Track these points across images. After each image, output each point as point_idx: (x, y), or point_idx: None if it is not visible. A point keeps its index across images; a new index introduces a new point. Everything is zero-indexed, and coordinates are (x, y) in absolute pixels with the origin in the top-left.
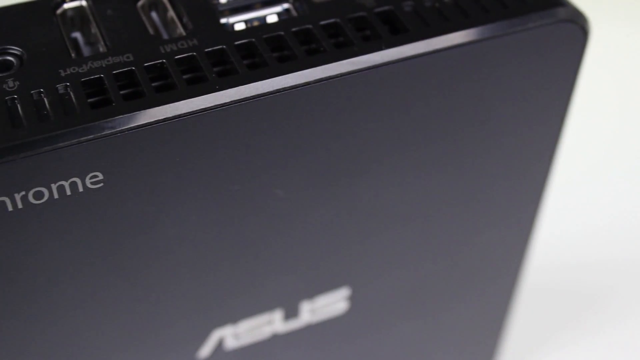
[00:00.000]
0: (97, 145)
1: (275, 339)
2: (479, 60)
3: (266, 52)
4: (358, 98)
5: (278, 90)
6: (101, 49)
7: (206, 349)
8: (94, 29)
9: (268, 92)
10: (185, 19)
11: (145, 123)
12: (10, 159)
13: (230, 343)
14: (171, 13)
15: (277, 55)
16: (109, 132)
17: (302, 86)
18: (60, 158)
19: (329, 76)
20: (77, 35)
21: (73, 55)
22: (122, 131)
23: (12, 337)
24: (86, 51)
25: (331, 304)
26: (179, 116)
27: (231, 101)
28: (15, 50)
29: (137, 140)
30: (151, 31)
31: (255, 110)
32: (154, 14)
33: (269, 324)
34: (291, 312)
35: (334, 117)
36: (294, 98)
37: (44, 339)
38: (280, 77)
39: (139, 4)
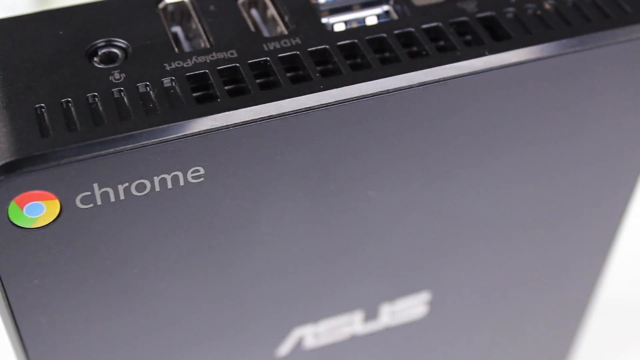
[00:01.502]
0: (202, 140)
1: (353, 341)
2: (579, 69)
3: (369, 53)
4: (457, 103)
5: (381, 92)
6: (202, 45)
7: (285, 347)
8: (195, 24)
9: (371, 93)
10: (287, 18)
11: (250, 120)
12: (116, 150)
13: (310, 342)
14: (272, 11)
15: (378, 57)
16: (214, 127)
17: (405, 89)
18: (165, 151)
19: (432, 80)
20: (177, 29)
21: (176, 49)
22: (227, 127)
23: (103, 322)
24: (186, 46)
25: (411, 307)
26: (283, 114)
27: (335, 101)
28: (121, 42)
29: (240, 137)
30: (252, 28)
31: (357, 111)
32: (254, 11)
33: (349, 324)
34: (371, 314)
35: (432, 120)
36: (395, 100)
37: (131, 326)
38: (383, 79)
39: (240, 1)
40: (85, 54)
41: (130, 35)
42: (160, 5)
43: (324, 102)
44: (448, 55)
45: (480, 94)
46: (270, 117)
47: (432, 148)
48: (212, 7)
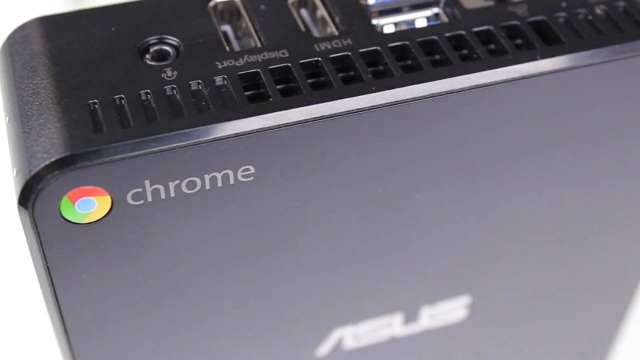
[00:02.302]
0: (254, 139)
1: (392, 342)
2: (630, 75)
3: (420, 55)
4: (507, 106)
5: (433, 95)
6: (253, 44)
7: (325, 347)
8: (245, 23)
9: (423, 96)
10: (337, 19)
11: (302, 120)
12: (169, 148)
13: (349, 343)
14: (322, 11)
15: (429, 60)
16: (267, 126)
17: (457, 92)
18: (217, 150)
19: (483, 84)
20: (226, 28)
21: (227, 48)
22: (278, 126)
23: (147, 319)
24: (235, 45)
25: (451, 310)
26: (335, 115)
27: (386, 103)
28: (172, 40)
29: (291, 136)
30: (302, 28)
31: (407, 113)
32: (303, 11)
33: (389, 326)
34: (411, 316)
35: (481, 124)
36: (446, 103)
37: (174, 323)
38: (435, 81)
39: (290, 0)
40: (137, 51)
41: (182, 33)
42: (211, 4)
43: (375, 104)
44: (500, 59)
45: (530, 98)
46: (322, 118)
47: (480, 151)
48: (262, 7)
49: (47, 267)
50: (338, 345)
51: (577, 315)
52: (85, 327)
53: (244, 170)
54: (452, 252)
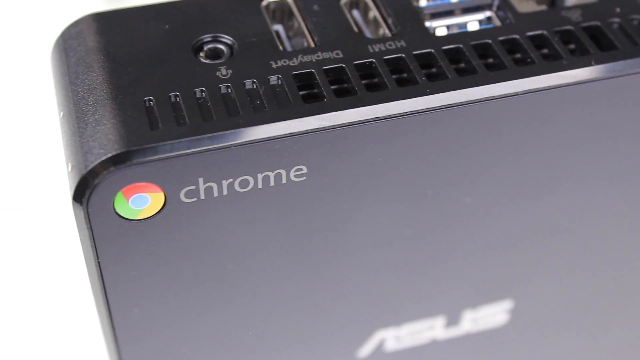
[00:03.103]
0: (308, 139)
1: (432, 345)
2: None
3: (474, 59)
4: (559, 111)
5: (487, 98)
6: (305, 44)
7: (366, 349)
8: (297, 23)
9: (477, 99)
10: (390, 20)
11: (357, 121)
12: (224, 146)
13: (390, 345)
14: (374, 12)
15: (483, 63)
16: (321, 127)
17: (510, 96)
18: (272, 149)
19: (537, 88)
20: (278, 27)
21: (281, 48)
22: (333, 127)
23: (192, 317)
24: (287, 44)
25: (493, 315)
26: (390, 117)
27: (440, 105)
28: (227, 39)
29: (345, 137)
30: (355, 29)
31: (460, 117)
32: (355, 12)
33: (430, 329)
34: (453, 320)
35: (533, 128)
36: (499, 107)
37: (219, 322)
38: (489, 85)
39: (342, 1)
40: (192, 49)
41: (236, 32)
42: (263, 3)
43: (429, 106)
44: (554, 64)
45: (583, 104)
46: (376, 119)
47: (530, 155)
48: (315, 7)
49: (98, 262)
50: (379, 346)
51: (618, 320)
52: (132, 323)
53: (296, 170)
54: (497, 257)
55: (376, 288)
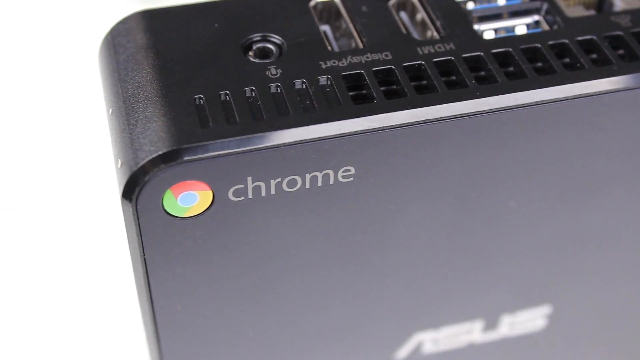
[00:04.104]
0: (357, 140)
1: (469, 349)
2: None
3: (524, 63)
4: (607, 117)
5: (537, 103)
6: (353, 45)
7: (404, 351)
8: (344, 24)
9: (527, 103)
10: (439, 23)
11: (406, 123)
12: (274, 146)
13: (428, 348)
14: (422, 15)
15: (532, 67)
16: (371, 128)
17: (560, 101)
18: (321, 149)
19: (587, 93)
20: (325, 28)
21: (330, 48)
22: (382, 128)
23: (234, 315)
24: (335, 45)
25: (531, 320)
26: (439, 119)
27: (490, 109)
28: (276, 38)
29: (393, 139)
30: (403, 31)
31: (509, 121)
32: (402, 14)
33: (468, 332)
34: (491, 324)
35: (580, 133)
36: (548, 111)
37: (260, 321)
38: (539, 89)
39: (390, 2)
40: (241, 48)
41: (285, 32)
42: (311, 3)
43: (479, 110)
44: (605, 69)
45: (632, 110)
46: (425, 122)
47: (577, 160)
48: (364, 8)
49: (144, 258)
50: (417, 349)
51: None
52: (175, 320)
53: (344, 171)
54: (537, 262)
55: (416, 290)
